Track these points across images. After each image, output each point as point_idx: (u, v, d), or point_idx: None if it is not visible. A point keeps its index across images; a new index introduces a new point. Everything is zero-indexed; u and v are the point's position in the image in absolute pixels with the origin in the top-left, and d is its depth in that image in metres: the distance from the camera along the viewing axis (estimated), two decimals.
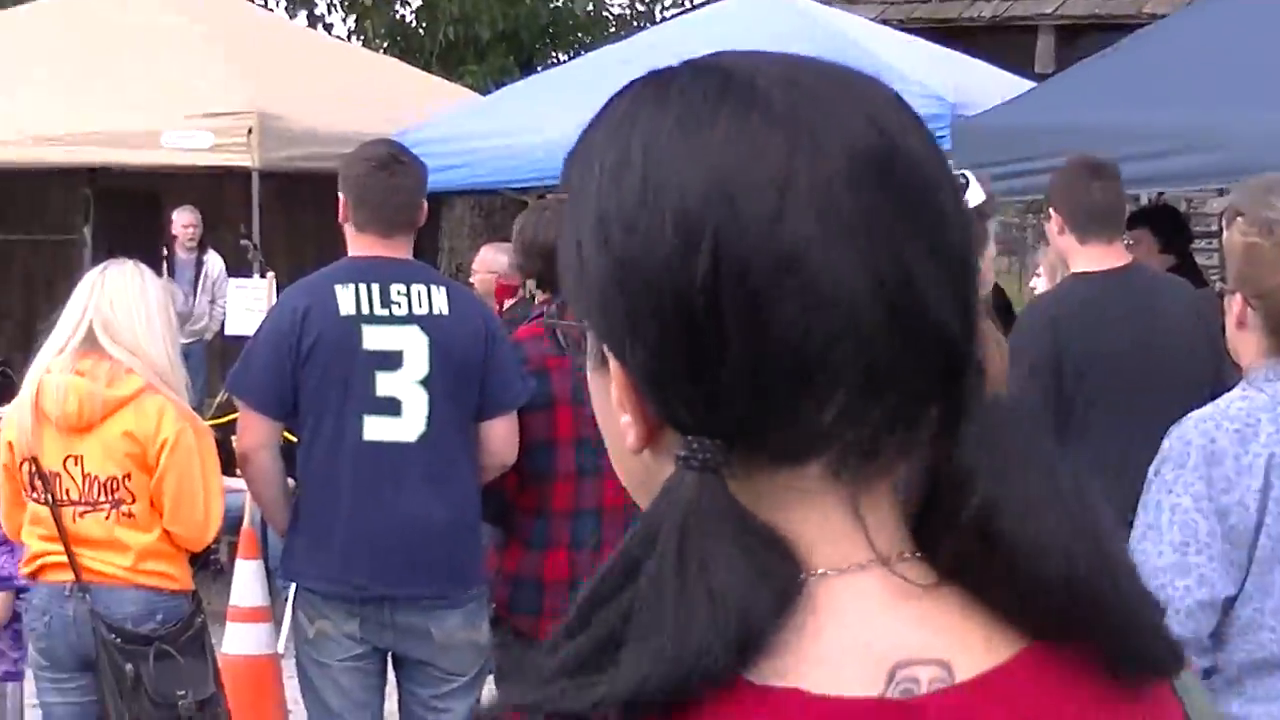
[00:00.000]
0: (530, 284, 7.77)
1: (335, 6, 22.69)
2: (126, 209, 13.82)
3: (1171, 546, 4.98)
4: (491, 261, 11.90)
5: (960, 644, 1.73)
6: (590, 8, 22.99)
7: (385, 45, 21.11)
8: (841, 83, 1.80)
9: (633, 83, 1.80)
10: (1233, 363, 5.38)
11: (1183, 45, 10.56)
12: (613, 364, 1.77)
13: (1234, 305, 5.21)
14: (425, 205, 7.19)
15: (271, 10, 21.04)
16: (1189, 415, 5.16)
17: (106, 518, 6.91)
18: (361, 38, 21.87)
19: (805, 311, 1.67)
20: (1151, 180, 8.91)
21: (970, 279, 1.78)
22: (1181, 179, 9.41)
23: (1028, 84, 11.92)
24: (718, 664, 1.66)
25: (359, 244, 7.16)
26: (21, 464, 6.93)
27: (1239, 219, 7.53)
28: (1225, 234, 7.84)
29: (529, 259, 7.55)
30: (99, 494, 6.91)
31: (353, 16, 22.55)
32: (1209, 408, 5.20)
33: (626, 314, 1.71)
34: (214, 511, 7.04)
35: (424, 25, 22.03)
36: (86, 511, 6.91)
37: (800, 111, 1.71)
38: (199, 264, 13.88)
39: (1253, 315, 5.13)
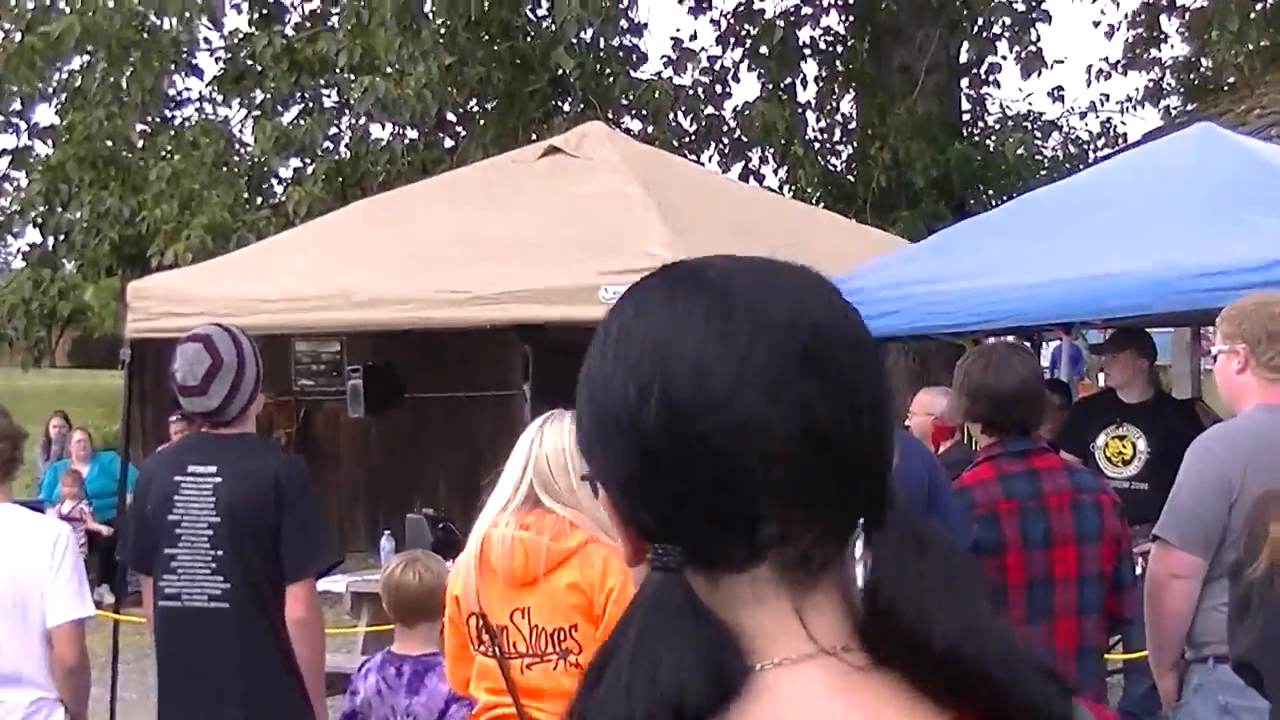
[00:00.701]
0: (972, 427, 7.61)
1: (768, 159, 22.79)
2: (564, 362, 13.90)
3: None
4: (929, 404, 11.95)
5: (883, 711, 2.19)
6: (1021, 151, 22.90)
7: (818, 195, 21.13)
8: (776, 275, 2.38)
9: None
10: None
11: None
12: (602, 493, 2.36)
13: None
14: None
15: (704, 165, 21.18)
16: None
17: (554, 668, 6.92)
18: (793, 188, 21.90)
19: (731, 446, 2.21)
20: None
21: (879, 424, 2.29)
22: None
23: None
24: None
25: None
26: (469, 618, 6.97)
27: None
28: None
29: (974, 402, 7.49)
30: (546, 646, 6.94)
31: (784, 168, 22.64)
32: None
33: (604, 449, 2.32)
34: None
35: (856, 173, 22.04)
36: (534, 663, 6.94)
37: (735, 298, 2.29)
38: None
39: None
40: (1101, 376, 17.90)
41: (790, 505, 2.21)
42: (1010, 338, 8.41)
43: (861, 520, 2.27)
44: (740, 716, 2.16)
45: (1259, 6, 22.09)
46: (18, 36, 21.56)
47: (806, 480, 2.22)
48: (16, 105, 22.34)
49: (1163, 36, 24.13)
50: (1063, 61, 23.65)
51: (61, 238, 22.66)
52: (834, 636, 2.21)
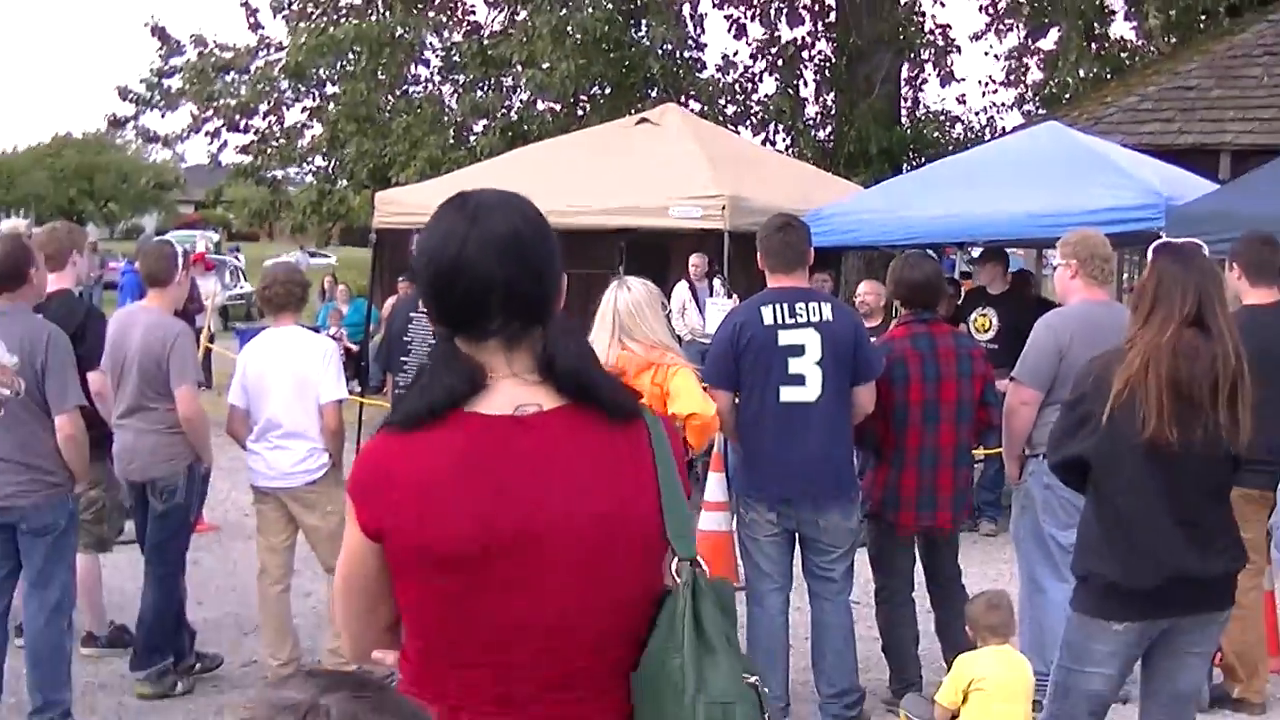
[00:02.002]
0: (896, 304, 7.65)
1: (779, 132, 22.74)
2: (645, 255, 13.90)
3: None
4: (870, 288, 11.91)
5: (544, 400, 2.81)
6: (937, 134, 22.83)
7: (809, 156, 21.06)
8: (505, 202, 2.91)
9: None
10: None
11: None
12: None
13: None
14: (811, 252, 7.17)
15: (739, 133, 21.12)
16: None
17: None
18: (794, 151, 21.83)
19: (471, 286, 2.79)
20: None
21: (543, 280, 2.85)
22: None
23: (1213, 186, 11.59)
24: (440, 405, 2.77)
25: (773, 279, 7.16)
26: None
27: None
28: None
29: (897, 287, 7.52)
30: None
31: (788, 138, 22.59)
32: None
33: (421, 286, 2.91)
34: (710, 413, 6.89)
35: (834, 144, 21.97)
36: None
37: (477, 212, 2.84)
38: (710, 289, 13.81)
39: None
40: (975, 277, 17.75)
41: (501, 312, 2.79)
42: (925, 250, 8.40)
43: (541, 318, 2.83)
44: (480, 399, 2.79)
45: (1092, 47, 21.88)
46: (311, 32, 21.50)
47: (508, 302, 2.79)
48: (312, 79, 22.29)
49: (1026, 67, 23.94)
50: (964, 79, 23.54)
51: (337, 164, 22.69)
52: (522, 369, 2.82)
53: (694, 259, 13.85)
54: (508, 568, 2.68)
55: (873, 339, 7.59)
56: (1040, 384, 7.13)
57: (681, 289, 13.60)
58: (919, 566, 7.66)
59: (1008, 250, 13.27)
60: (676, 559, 2.78)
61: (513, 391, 2.77)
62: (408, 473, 2.71)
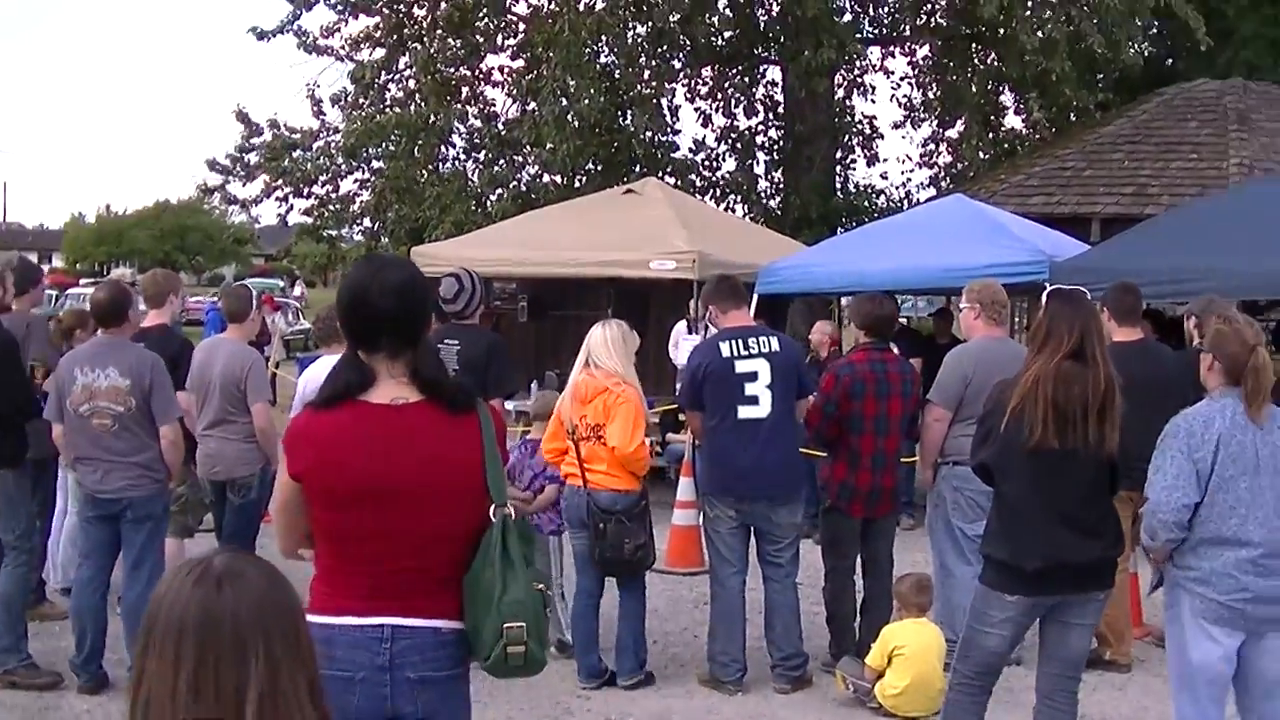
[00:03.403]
0: (856, 333, 7.67)
1: (737, 201, 22.78)
2: (629, 300, 13.85)
3: (1169, 478, 4.79)
4: (821, 328, 11.97)
5: (410, 395, 3.36)
6: (866, 204, 22.87)
7: (762, 220, 21.10)
8: (393, 262, 3.64)
9: None
10: (1199, 386, 5.19)
11: (1166, 227, 10.39)
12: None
13: (1206, 360, 5.09)
14: (747, 295, 7.36)
15: (706, 201, 21.15)
16: (1181, 412, 5.06)
17: (594, 444, 6.95)
18: (750, 216, 21.87)
19: (369, 317, 3.38)
20: (1152, 296, 8.55)
21: (417, 317, 3.45)
22: (1168, 296, 9.14)
23: (1086, 247, 11.63)
24: (340, 394, 3.37)
25: (726, 320, 7.26)
26: (562, 419, 7.08)
27: (1200, 317, 7.47)
28: (1188, 324, 7.80)
29: (863, 320, 7.54)
30: (590, 433, 6.96)
31: (745, 205, 22.63)
32: (1190, 409, 5.07)
33: (340, 317, 3.47)
34: (643, 448, 6.97)
35: (782, 210, 22.00)
36: (587, 441, 6.97)
37: (379, 267, 3.44)
38: (706, 329, 13.70)
39: (1216, 365, 5.00)
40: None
41: (387, 335, 3.37)
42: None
43: (414, 341, 3.40)
44: (369, 392, 3.37)
45: (989, 135, 21.98)
46: (362, 119, 21.52)
47: (392, 329, 3.37)
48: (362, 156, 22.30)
49: (937, 150, 24.00)
50: (886, 160, 23.59)
51: (381, 225, 22.66)
52: (399, 373, 3.38)
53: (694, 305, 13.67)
54: (378, 504, 3.29)
55: (828, 364, 7.65)
56: (950, 404, 7.17)
57: (679, 328, 13.53)
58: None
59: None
60: (494, 505, 3.37)
61: (391, 388, 3.38)
62: (317, 438, 3.36)
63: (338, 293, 3.62)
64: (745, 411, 7.00)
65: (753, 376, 7.01)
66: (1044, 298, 5.35)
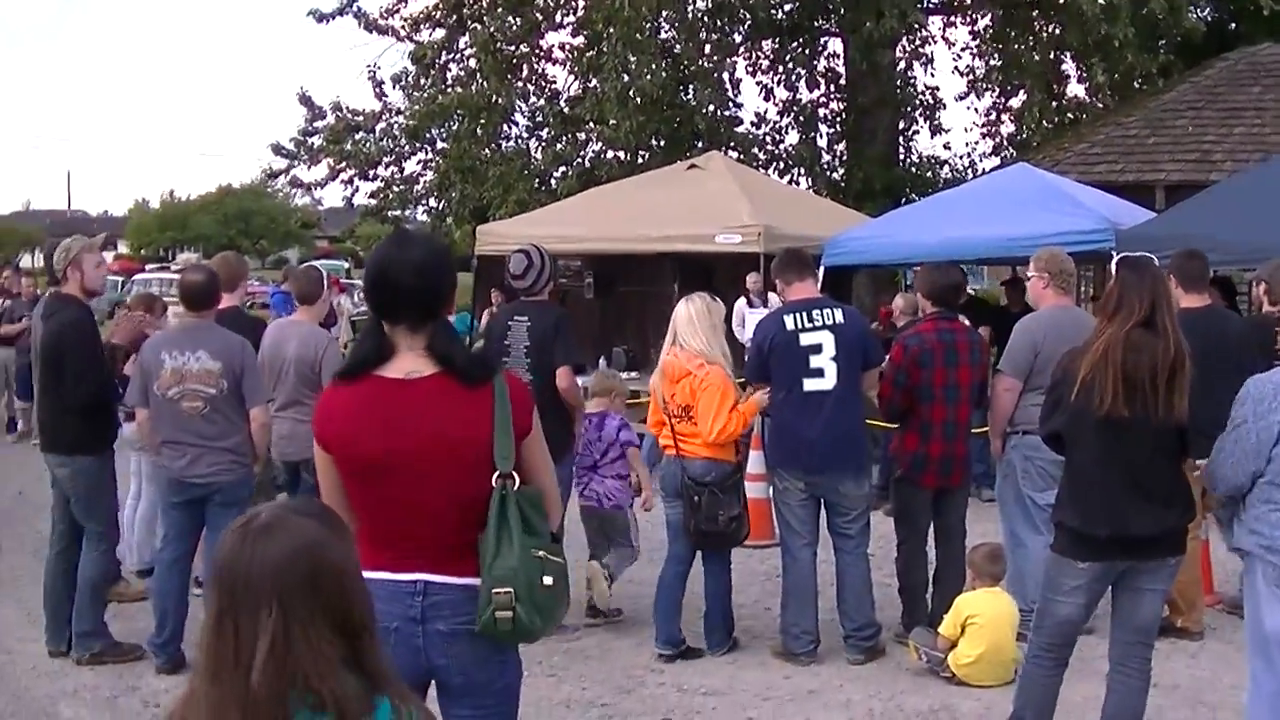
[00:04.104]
0: (923, 303, 7.69)
1: (801, 174, 22.71)
2: (694, 274, 13.88)
3: (1236, 444, 4.86)
4: (902, 300, 11.92)
5: (426, 368, 3.48)
6: (929, 174, 22.76)
7: (825, 193, 21.04)
8: (425, 239, 3.73)
9: None
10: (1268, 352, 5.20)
11: (1231, 193, 10.27)
12: None
13: None
14: (818, 270, 7.38)
15: (769, 175, 21.11)
16: (1253, 376, 5.08)
17: (684, 423, 7.01)
18: (814, 189, 21.80)
19: (395, 292, 3.50)
20: (1218, 262, 8.47)
21: (437, 292, 3.54)
22: (1234, 263, 9.05)
23: (1150, 215, 11.55)
24: (360, 367, 3.53)
25: (791, 292, 7.28)
26: (664, 403, 7.10)
27: (1269, 282, 7.44)
28: (1256, 289, 7.76)
29: (930, 290, 7.55)
30: (680, 411, 7.02)
31: (809, 178, 22.57)
32: (1264, 374, 5.07)
33: (366, 290, 3.63)
34: (730, 426, 6.98)
35: (846, 183, 21.94)
36: (679, 420, 7.02)
37: (402, 244, 3.57)
38: (766, 301, 13.68)
39: None
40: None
41: (409, 308, 3.51)
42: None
43: (432, 315, 3.52)
44: (388, 365, 3.52)
45: (1052, 104, 21.79)
46: (425, 100, 21.63)
47: (414, 305, 3.51)
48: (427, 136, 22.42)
49: (1000, 121, 23.81)
50: (950, 130, 23.45)
51: (445, 205, 22.80)
52: (418, 345, 3.52)
53: (750, 279, 13.65)
54: (390, 475, 3.46)
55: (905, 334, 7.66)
56: (1020, 374, 7.15)
57: (741, 304, 13.54)
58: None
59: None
60: (496, 474, 3.45)
61: (409, 360, 3.52)
62: (339, 412, 3.55)
63: (365, 265, 3.87)
64: (811, 384, 7.02)
65: (817, 349, 7.02)
66: (1113, 266, 5.35)
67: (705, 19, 21.26)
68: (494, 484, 3.46)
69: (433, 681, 3.62)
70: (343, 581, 2.16)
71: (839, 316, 7.09)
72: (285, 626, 2.08)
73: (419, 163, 23.08)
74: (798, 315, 7.08)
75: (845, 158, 22.95)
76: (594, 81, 20.39)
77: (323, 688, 2.08)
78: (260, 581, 2.10)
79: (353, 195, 23.64)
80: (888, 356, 7.49)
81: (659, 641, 7.27)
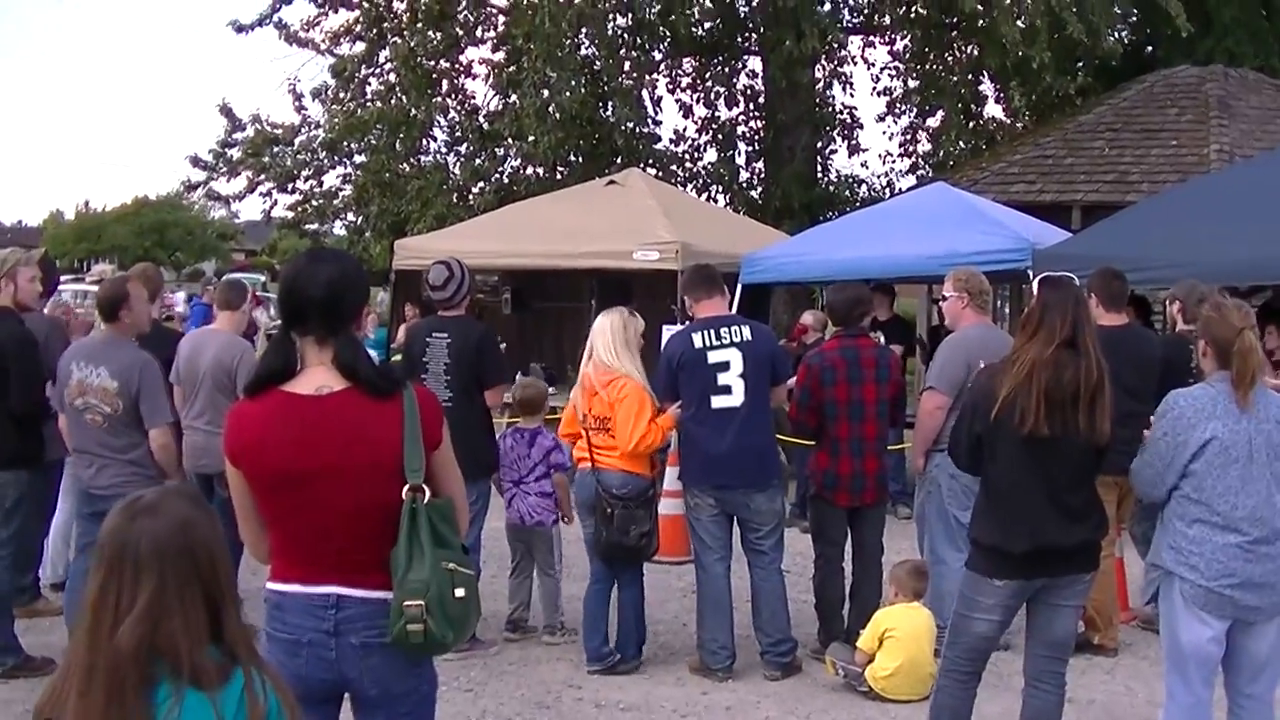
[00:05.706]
0: (831, 320, 7.76)
1: (719, 191, 22.79)
2: (611, 290, 13.79)
3: (1156, 457, 4.96)
4: (808, 316, 11.93)
5: (335, 383, 3.49)
6: (846, 193, 22.93)
7: (744, 210, 21.09)
8: (332, 254, 3.84)
9: None
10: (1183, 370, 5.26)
11: (1147, 214, 10.42)
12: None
13: (1200, 345, 5.15)
14: (736, 287, 7.37)
15: (687, 192, 21.16)
16: (1176, 391, 5.13)
17: (600, 435, 7.01)
18: (732, 206, 21.87)
19: (303, 304, 3.54)
20: (1135, 281, 8.55)
21: (344, 306, 3.57)
22: (1149, 282, 9.13)
23: (1067, 235, 11.67)
24: (262, 382, 3.54)
25: (700, 309, 7.29)
26: (575, 409, 7.10)
27: (1183, 300, 7.53)
28: (1170, 308, 7.88)
29: (830, 308, 7.71)
30: (597, 423, 7.01)
31: (727, 195, 22.64)
32: (1185, 390, 5.13)
33: (279, 302, 3.67)
34: (649, 437, 6.98)
35: (763, 200, 22.01)
36: (595, 431, 7.02)
37: (315, 259, 3.66)
38: (686, 317, 13.72)
39: (1209, 349, 5.04)
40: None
41: (317, 320, 3.54)
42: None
43: (339, 329, 3.54)
44: (296, 380, 3.53)
45: (969, 125, 22.04)
46: (344, 114, 21.48)
47: (321, 316, 3.54)
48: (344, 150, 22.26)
49: (917, 140, 24.07)
50: (867, 149, 23.72)
51: (364, 219, 22.63)
52: (324, 358, 3.53)
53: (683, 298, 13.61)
54: (305, 487, 3.44)
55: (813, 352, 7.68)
56: (954, 391, 7.16)
57: (667, 329, 13.54)
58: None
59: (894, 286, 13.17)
60: (406, 486, 3.44)
61: (319, 374, 3.53)
62: (246, 428, 3.53)
63: (279, 279, 4.04)
64: (719, 401, 7.02)
65: (725, 366, 7.03)
66: (1035, 285, 5.38)
67: (625, 36, 21.30)
68: (404, 496, 3.45)
69: (346, 694, 3.63)
70: (213, 555, 2.46)
71: (747, 333, 7.10)
72: (162, 592, 2.38)
73: (338, 176, 22.90)
74: (706, 333, 7.08)
75: (764, 175, 23.05)
76: (513, 97, 20.30)
77: (186, 656, 2.36)
78: (145, 552, 2.39)
79: (271, 208, 23.41)
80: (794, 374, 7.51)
81: (588, 659, 7.25)
